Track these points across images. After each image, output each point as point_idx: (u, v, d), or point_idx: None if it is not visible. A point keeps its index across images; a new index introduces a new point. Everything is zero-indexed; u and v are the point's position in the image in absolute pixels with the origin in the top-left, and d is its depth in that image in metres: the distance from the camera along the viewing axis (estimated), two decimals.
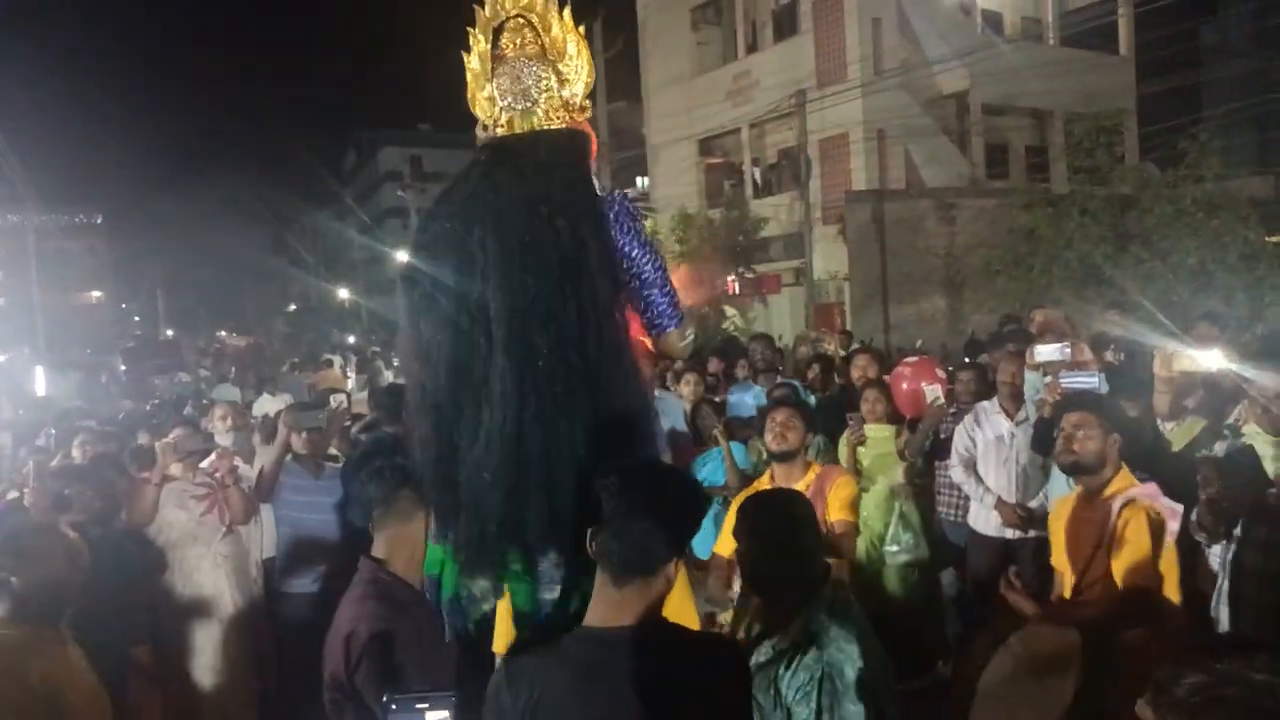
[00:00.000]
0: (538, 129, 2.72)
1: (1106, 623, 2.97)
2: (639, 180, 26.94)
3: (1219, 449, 4.00)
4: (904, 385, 5.73)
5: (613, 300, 2.57)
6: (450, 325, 2.50)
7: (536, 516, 2.37)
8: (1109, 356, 6.15)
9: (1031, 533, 4.90)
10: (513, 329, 2.43)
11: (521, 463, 2.38)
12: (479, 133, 2.85)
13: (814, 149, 20.15)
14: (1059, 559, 3.49)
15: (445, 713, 1.56)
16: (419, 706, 1.56)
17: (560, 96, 2.76)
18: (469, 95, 2.86)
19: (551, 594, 2.46)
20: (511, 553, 2.47)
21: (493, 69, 2.78)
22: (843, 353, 8.63)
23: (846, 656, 2.22)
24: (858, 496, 4.13)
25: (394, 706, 1.57)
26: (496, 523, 2.41)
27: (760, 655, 2.35)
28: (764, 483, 4.14)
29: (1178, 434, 4.43)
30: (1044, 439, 4.41)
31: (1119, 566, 3.10)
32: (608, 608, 1.91)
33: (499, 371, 2.42)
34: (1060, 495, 4.09)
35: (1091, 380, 4.26)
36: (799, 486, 3.94)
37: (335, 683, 2.46)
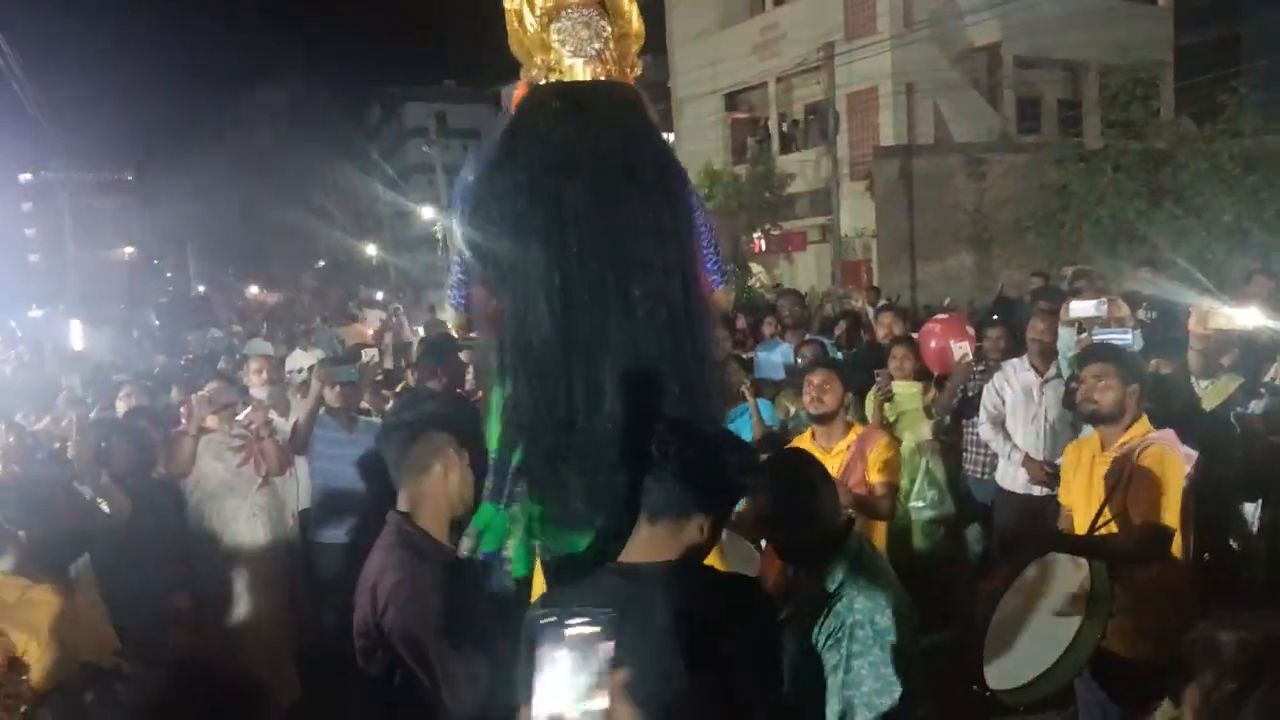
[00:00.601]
0: (599, 79, 2.65)
1: (1124, 556, 3.02)
2: (664, 136, 26.67)
3: (1255, 407, 3.97)
4: (933, 342, 5.73)
5: (697, 253, 2.57)
6: (544, 282, 2.40)
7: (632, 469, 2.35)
8: (1140, 314, 6.09)
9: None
10: (614, 282, 2.38)
11: (627, 417, 2.36)
12: (525, 75, 2.75)
13: (842, 103, 19.86)
14: (1074, 500, 3.53)
15: (598, 629, 1.45)
16: (570, 623, 1.44)
17: (619, 50, 2.71)
18: (512, 38, 2.76)
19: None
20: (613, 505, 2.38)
21: (552, 13, 2.67)
22: (870, 309, 8.60)
23: (875, 605, 2.25)
24: (898, 459, 4.13)
25: (545, 620, 1.47)
26: (607, 477, 2.36)
27: (790, 606, 2.39)
28: (804, 442, 4.14)
29: (1211, 392, 4.40)
30: (1074, 394, 4.41)
31: (1138, 505, 3.15)
32: (642, 543, 1.98)
33: (601, 325, 2.36)
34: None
35: (1125, 337, 4.23)
36: (839, 447, 3.98)
37: (364, 629, 2.53)
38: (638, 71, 2.78)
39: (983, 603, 2.61)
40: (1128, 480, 3.19)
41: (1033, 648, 2.76)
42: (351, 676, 2.69)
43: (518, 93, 2.75)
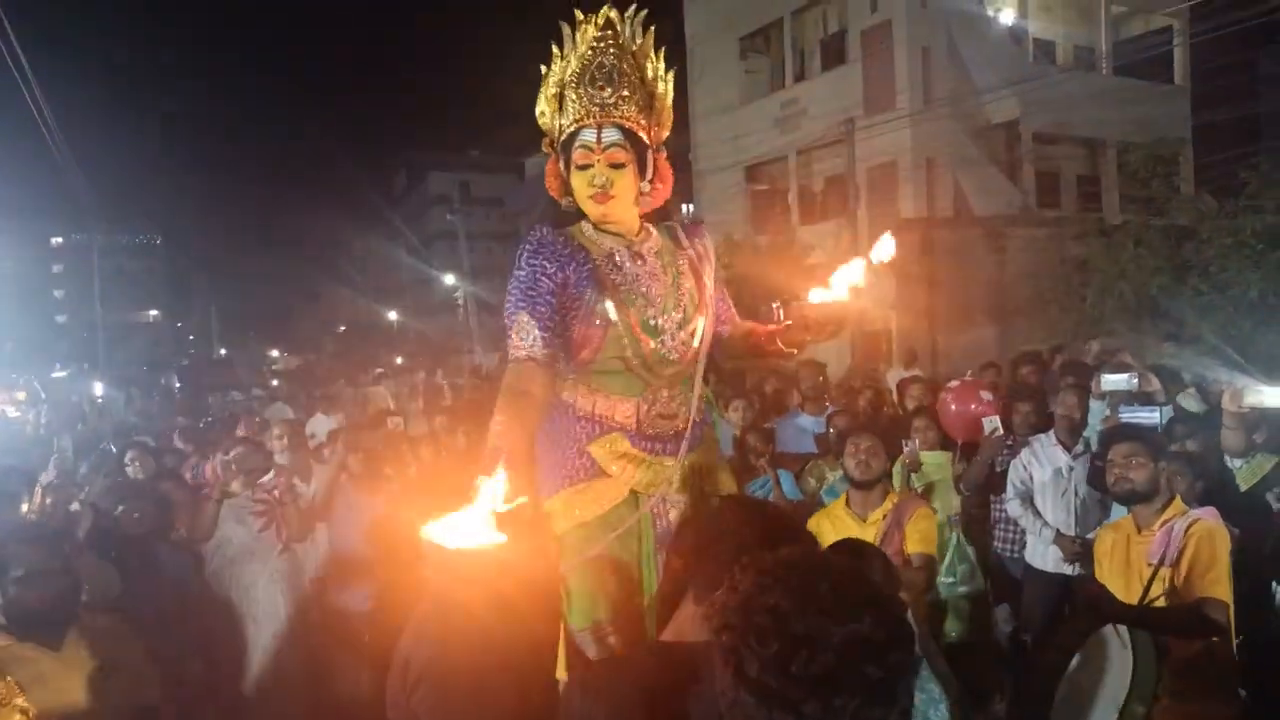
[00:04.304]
0: None
1: (1184, 629, 3.01)
2: (684, 207, 27.00)
3: None
4: (952, 407, 5.69)
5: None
6: None
7: None
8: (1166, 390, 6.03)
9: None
10: None
11: None
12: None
13: (862, 177, 20.06)
14: (1107, 582, 3.46)
15: None
16: None
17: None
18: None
19: None
20: None
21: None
22: (905, 373, 8.59)
23: (928, 699, 2.19)
24: (934, 529, 4.04)
25: None
26: None
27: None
28: (838, 508, 4.09)
29: (1246, 471, 4.33)
30: (1101, 474, 4.36)
31: (1192, 579, 3.12)
32: (685, 623, 1.95)
33: None
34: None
35: (1153, 415, 4.19)
36: (875, 515, 3.94)
37: (395, 701, 2.49)
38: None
39: (1045, 678, 2.55)
40: (1177, 556, 3.17)
41: (1084, 711, 2.69)
42: None
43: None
